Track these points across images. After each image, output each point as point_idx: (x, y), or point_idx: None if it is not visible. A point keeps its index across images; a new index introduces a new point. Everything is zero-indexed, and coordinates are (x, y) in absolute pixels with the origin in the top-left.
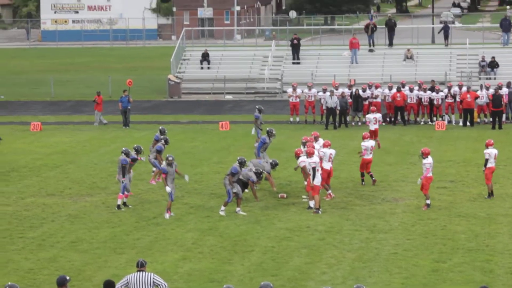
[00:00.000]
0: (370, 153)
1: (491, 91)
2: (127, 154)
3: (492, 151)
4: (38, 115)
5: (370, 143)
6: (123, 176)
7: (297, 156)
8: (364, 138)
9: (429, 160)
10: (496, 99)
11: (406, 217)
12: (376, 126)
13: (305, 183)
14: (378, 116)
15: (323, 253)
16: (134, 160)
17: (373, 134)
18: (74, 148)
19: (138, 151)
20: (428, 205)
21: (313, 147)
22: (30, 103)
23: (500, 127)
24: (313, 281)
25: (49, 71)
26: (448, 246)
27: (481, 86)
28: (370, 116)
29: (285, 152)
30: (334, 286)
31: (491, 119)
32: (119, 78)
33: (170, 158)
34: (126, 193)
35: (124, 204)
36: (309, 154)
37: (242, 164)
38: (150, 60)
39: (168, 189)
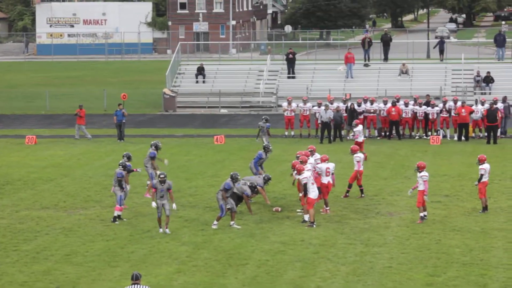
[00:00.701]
0: (362, 164)
1: (486, 106)
2: (124, 167)
3: (487, 166)
4: (33, 129)
5: (361, 154)
6: (122, 189)
7: (294, 168)
8: (354, 150)
9: (425, 173)
10: (491, 114)
11: (400, 231)
12: (363, 138)
13: (300, 195)
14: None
15: (317, 266)
16: (130, 171)
17: (360, 146)
18: (69, 161)
19: (129, 158)
20: (422, 218)
21: (305, 162)
22: (25, 116)
23: (495, 142)
24: None
25: (44, 84)
26: (442, 260)
27: (476, 101)
28: (359, 128)
29: (280, 166)
30: None
31: (485, 134)
32: (114, 92)
33: (162, 176)
34: (122, 206)
35: (119, 217)
36: (298, 171)
37: (234, 179)
38: (145, 74)
39: (154, 204)
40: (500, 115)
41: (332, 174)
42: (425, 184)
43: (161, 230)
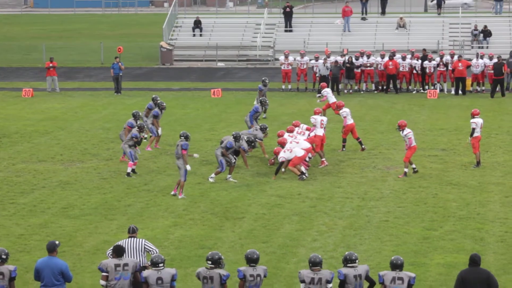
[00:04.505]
0: (350, 117)
1: (493, 60)
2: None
3: (478, 121)
4: (30, 82)
5: (347, 109)
6: (135, 146)
7: (276, 154)
8: (339, 106)
9: (407, 130)
10: (497, 67)
11: (397, 185)
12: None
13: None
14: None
15: (314, 220)
16: (136, 137)
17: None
18: (66, 114)
19: (135, 116)
20: (405, 174)
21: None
22: (22, 69)
23: (503, 95)
24: (304, 248)
25: (41, 37)
26: (439, 214)
27: (477, 55)
28: (328, 91)
29: (276, 120)
30: (325, 253)
31: (483, 88)
32: (111, 45)
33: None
34: (135, 161)
35: (133, 171)
36: (281, 143)
37: (237, 139)
38: (142, 27)
39: (188, 167)
40: (505, 69)
41: (324, 127)
42: (410, 141)
43: (179, 196)
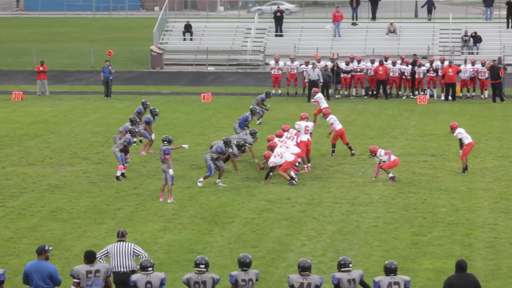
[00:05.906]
0: (338, 123)
1: (486, 64)
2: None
3: (462, 130)
4: (20, 85)
5: (334, 116)
6: (126, 154)
7: (266, 158)
8: (326, 114)
9: (379, 155)
10: (493, 71)
11: (386, 190)
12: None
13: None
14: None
15: (303, 225)
16: (129, 143)
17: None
18: (55, 118)
19: (133, 122)
20: (392, 178)
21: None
22: (12, 72)
23: (502, 100)
24: (293, 253)
25: (32, 40)
26: (428, 220)
27: (465, 61)
28: (320, 96)
29: (266, 125)
30: (314, 258)
31: (473, 94)
32: (101, 49)
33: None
34: (126, 164)
35: (123, 175)
36: (270, 146)
37: (227, 144)
38: (132, 30)
39: (171, 171)
40: (502, 73)
41: (310, 133)
42: (377, 167)
43: (169, 200)
